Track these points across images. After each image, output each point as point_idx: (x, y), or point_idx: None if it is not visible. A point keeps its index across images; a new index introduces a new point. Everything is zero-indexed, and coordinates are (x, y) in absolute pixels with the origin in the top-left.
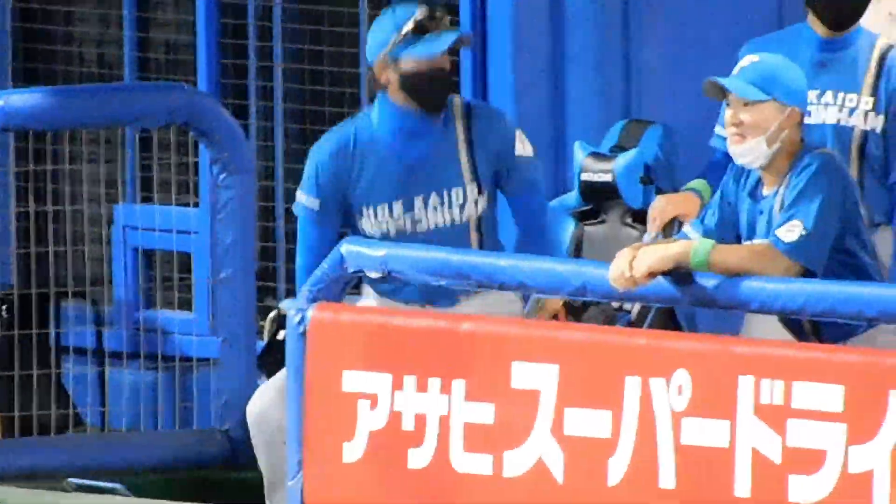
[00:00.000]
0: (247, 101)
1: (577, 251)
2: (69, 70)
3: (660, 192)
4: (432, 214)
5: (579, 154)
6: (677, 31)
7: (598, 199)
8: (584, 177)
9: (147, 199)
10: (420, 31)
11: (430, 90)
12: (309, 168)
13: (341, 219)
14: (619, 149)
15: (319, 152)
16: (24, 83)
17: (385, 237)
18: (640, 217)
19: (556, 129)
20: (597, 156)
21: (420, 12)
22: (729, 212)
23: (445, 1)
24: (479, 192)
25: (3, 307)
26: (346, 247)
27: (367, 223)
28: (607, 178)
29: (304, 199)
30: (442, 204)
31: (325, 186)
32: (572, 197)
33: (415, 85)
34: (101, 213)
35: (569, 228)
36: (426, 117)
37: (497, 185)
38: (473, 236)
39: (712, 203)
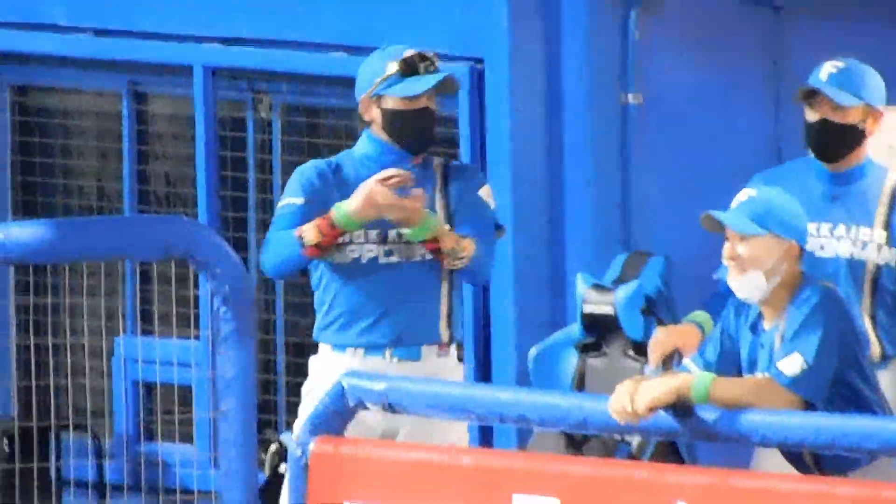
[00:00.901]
0: (246, 234)
1: (580, 383)
2: (68, 203)
3: (661, 323)
4: (406, 248)
5: (581, 286)
6: (676, 162)
7: (599, 331)
8: (586, 309)
9: (147, 332)
10: (406, 71)
11: (410, 130)
12: (293, 180)
13: None
14: (620, 281)
15: (305, 169)
16: (24, 216)
17: (355, 263)
18: (641, 349)
19: (555, 261)
20: (598, 288)
21: (407, 53)
22: (730, 345)
23: (443, 136)
24: None
25: (5, 439)
26: (347, 380)
27: (341, 247)
28: (609, 310)
29: (288, 200)
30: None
31: (309, 192)
32: (574, 329)
33: (396, 123)
34: (101, 346)
35: (571, 361)
36: (407, 156)
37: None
38: (445, 272)
39: (713, 336)
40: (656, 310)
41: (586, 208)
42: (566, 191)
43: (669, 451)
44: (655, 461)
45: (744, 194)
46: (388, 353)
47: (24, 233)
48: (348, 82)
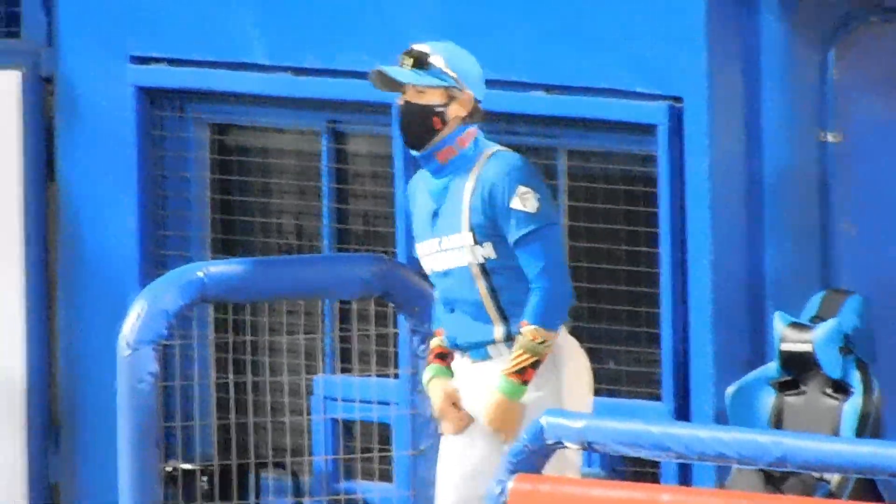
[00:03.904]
0: None
1: (777, 421)
2: (267, 241)
3: (859, 362)
4: (443, 256)
5: (779, 325)
6: (875, 200)
7: (797, 369)
8: (784, 347)
9: (346, 370)
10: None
11: (401, 128)
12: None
13: None
14: (818, 319)
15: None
16: (223, 255)
17: (427, 272)
18: (839, 387)
19: (753, 299)
20: (796, 326)
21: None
22: None
23: (641, 175)
24: (475, 242)
25: (204, 478)
26: (546, 418)
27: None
28: (807, 348)
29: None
30: (451, 248)
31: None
32: (772, 367)
33: (398, 120)
34: (300, 384)
35: (768, 399)
36: (421, 155)
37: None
38: (480, 281)
39: None
40: (855, 348)
41: (785, 246)
42: (765, 228)
43: (868, 490)
44: (854, 499)
45: None
46: (465, 354)
47: (223, 271)
48: (546, 121)
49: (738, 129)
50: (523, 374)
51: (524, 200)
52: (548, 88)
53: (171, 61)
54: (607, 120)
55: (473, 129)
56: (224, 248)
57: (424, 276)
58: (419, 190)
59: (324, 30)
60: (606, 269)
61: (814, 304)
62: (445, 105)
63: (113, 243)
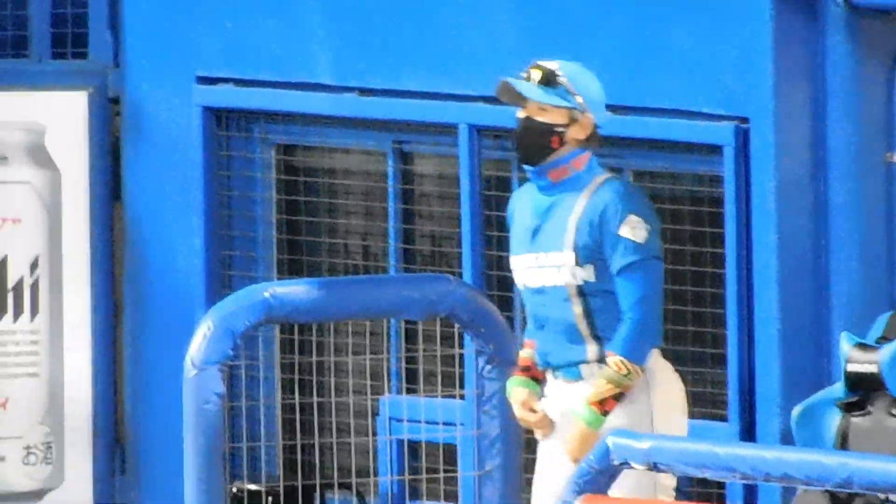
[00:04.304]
0: (511, 293)
1: (843, 442)
2: (333, 262)
3: None
4: (539, 273)
5: (845, 345)
6: None
7: (864, 390)
8: (850, 368)
9: (412, 391)
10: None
11: (518, 141)
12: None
13: None
14: (884, 340)
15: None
16: (289, 275)
17: (519, 286)
18: None
19: (820, 320)
20: (862, 347)
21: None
22: None
23: (707, 196)
24: (577, 263)
25: (270, 499)
26: (612, 439)
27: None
28: (873, 368)
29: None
30: (549, 265)
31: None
32: (838, 388)
33: (516, 133)
34: (366, 405)
35: (834, 419)
36: (534, 171)
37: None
38: (575, 302)
39: None
40: None
41: (852, 267)
42: (831, 249)
43: None
44: None
45: None
46: (556, 373)
47: (289, 292)
48: (612, 141)
49: (805, 149)
50: (604, 405)
51: (634, 229)
52: (614, 109)
53: (238, 82)
54: (673, 140)
55: (588, 154)
56: (290, 269)
57: (490, 297)
58: (522, 204)
59: (390, 50)
60: (673, 289)
61: (880, 324)
62: (566, 126)
63: (179, 263)
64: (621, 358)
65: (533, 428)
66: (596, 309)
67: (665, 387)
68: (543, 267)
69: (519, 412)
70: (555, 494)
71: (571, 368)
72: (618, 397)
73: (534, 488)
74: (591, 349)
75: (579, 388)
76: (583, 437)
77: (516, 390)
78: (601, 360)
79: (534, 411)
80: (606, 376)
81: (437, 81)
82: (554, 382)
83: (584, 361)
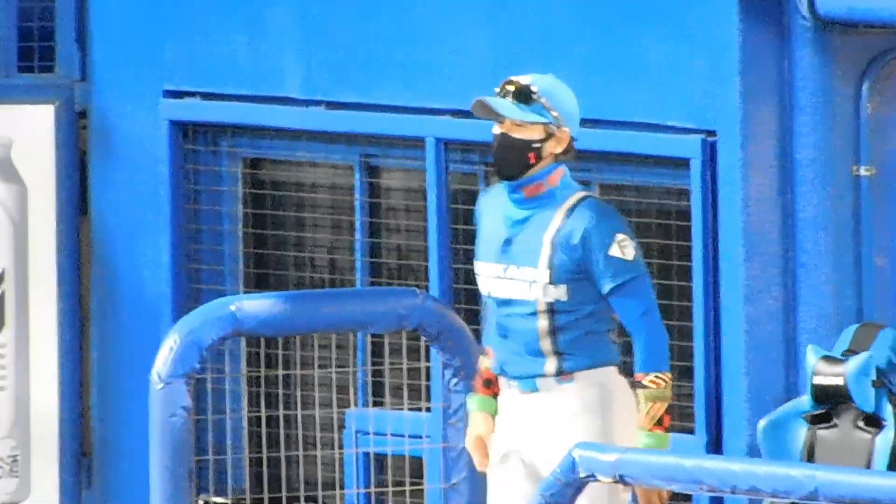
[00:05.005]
0: (478, 306)
1: (810, 455)
2: (301, 276)
3: (892, 395)
4: (508, 285)
5: (811, 358)
6: None
7: (830, 402)
8: (817, 380)
9: (378, 404)
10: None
11: (495, 158)
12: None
13: None
14: (850, 352)
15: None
16: (256, 288)
17: (483, 292)
18: (872, 421)
19: (787, 333)
20: (829, 359)
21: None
22: None
23: (674, 209)
24: (550, 282)
25: None
26: (578, 451)
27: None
28: (839, 381)
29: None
30: (519, 279)
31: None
32: (804, 401)
33: (493, 150)
34: (332, 418)
35: (800, 432)
36: (511, 185)
37: (597, 284)
38: (542, 318)
39: None
40: (887, 381)
41: (819, 280)
42: (798, 262)
43: None
44: None
45: None
46: (513, 383)
47: (256, 305)
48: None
49: (772, 162)
50: (662, 423)
51: (623, 248)
52: (583, 122)
53: (205, 95)
54: (641, 154)
55: (563, 169)
56: (257, 282)
57: (457, 310)
58: (493, 210)
59: (358, 64)
60: None
61: (846, 337)
62: (543, 141)
63: (146, 277)
64: (653, 375)
65: (473, 456)
66: (561, 326)
67: (622, 404)
68: (514, 280)
69: (471, 444)
70: None
71: (528, 380)
72: (669, 410)
73: None
74: (550, 364)
75: (534, 399)
76: None
77: (477, 417)
78: (559, 374)
79: (482, 453)
80: (651, 398)
81: (405, 95)
82: (508, 390)
83: (542, 375)
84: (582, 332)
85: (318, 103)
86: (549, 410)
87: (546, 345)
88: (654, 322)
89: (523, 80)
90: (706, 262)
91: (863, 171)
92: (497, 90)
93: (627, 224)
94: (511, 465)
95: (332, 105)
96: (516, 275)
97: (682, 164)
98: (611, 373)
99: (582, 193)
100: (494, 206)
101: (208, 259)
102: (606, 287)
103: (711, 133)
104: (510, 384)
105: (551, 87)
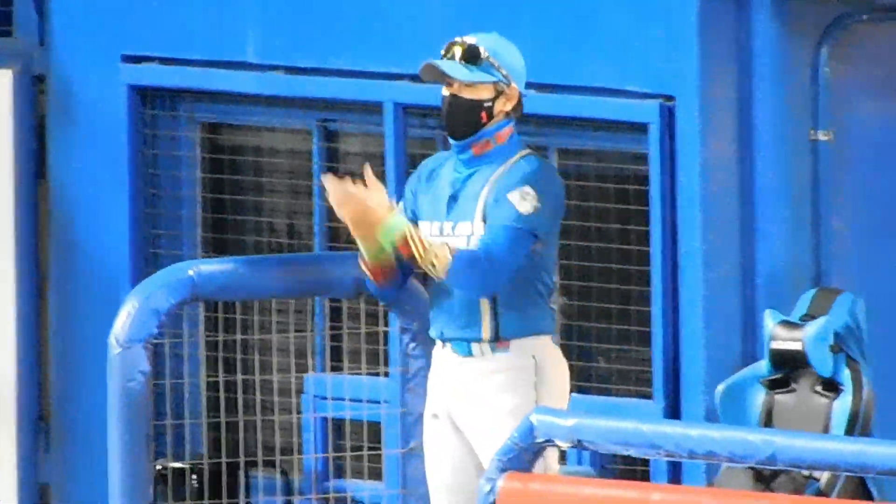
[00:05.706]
0: None
1: (767, 420)
2: (259, 240)
3: (850, 360)
4: (450, 241)
5: (769, 322)
6: (866, 198)
7: (788, 367)
8: (774, 345)
9: (337, 369)
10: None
11: (446, 119)
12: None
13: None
14: (808, 317)
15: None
16: (214, 253)
17: None
18: (830, 385)
19: (745, 298)
20: (787, 324)
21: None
22: None
23: (633, 174)
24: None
25: (194, 476)
26: (536, 416)
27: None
28: (797, 346)
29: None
30: (460, 234)
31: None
32: (762, 366)
33: (443, 112)
34: (290, 383)
35: (758, 397)
36: (458, 145)
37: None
38: None
39: None
40: (845, 346)
41: (777, 245)
42: (757, 227)
43: (858, 487)
44: (844, 497)
45: None
46: (448, 346)
47: (214, 270)
48: (537, 120)
49: (730, 127)
50: (406, 245)
51: (523, 199)
52: (539, 87)
53: (164, 60)
54: (599, 119)
55: (511, 127)
56: (216, 247)
57: (415, 274)
58: (441, 171)
59: (316, 29)
60: (598, 267)
61: (804, 302)
62: (493, 99)
63: (104, 242)
64: (450, 258)
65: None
66: None
67: (552, 377)
68: (456, 237)
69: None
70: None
71: (464, 343)
72: (408, 249)
73: (428, 471)
74: (487, 328)
75: (468, 364)
76: (370, 216)
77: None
78: (494, 339)
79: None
80: (432, 244)
81: (363, 60)
82: (442, 353)
83: (478, 340)
84: (519, 291)
85: (276, 68)
86: (480, 378)
87: (484, 306)
88: (491, 269)
89: (469, 40)
90: (664, 227)
91: (821, 136)
92: (443, 52)
93: (552, 189)
94: (441, 422)
95: (290, 70)
96: (458, 230)
97: (641, 129)
98: (545, 343)
99: (525, 151)
100: (443, 168)
101: (167, 224)
102: (489, 220)
103: (670, 98)
104: (445, 346)
105: (497, 45)
